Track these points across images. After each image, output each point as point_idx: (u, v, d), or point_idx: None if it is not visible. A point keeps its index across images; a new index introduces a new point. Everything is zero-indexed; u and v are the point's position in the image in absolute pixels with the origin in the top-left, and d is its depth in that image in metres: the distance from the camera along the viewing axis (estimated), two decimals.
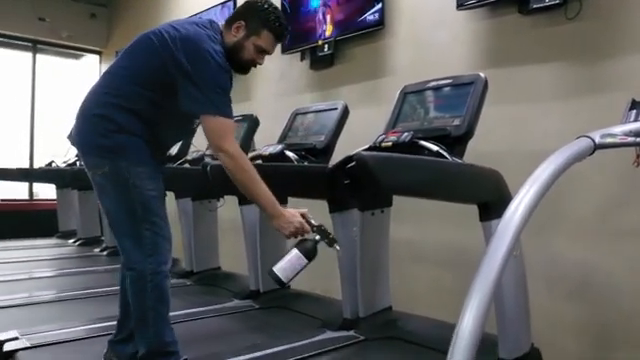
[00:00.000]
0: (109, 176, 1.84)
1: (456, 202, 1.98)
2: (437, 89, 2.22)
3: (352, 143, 2.64)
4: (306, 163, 2.56)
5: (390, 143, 2.00)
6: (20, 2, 6.30)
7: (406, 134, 1.99)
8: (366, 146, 2.12)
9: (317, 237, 1.83)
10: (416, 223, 2.98)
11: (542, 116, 2.50)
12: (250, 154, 3.19)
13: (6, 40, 6.58)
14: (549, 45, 2.48)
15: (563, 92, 2.43)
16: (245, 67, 1.96)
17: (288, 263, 1.79)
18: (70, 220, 6.13)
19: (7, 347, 2.19)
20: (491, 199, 1.89)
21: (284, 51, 3.87)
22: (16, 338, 2.28)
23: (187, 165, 3.38)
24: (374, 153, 1.48)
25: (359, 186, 2.21)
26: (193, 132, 2.59)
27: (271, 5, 1.93)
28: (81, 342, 2.35)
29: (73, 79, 7.40)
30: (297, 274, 1.80)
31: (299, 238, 1.84)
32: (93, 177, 1.91)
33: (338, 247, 1.87)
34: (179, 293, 3.34)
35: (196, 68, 1.75)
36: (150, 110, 1.85)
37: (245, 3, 1.95)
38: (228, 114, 1.80)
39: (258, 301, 3.05)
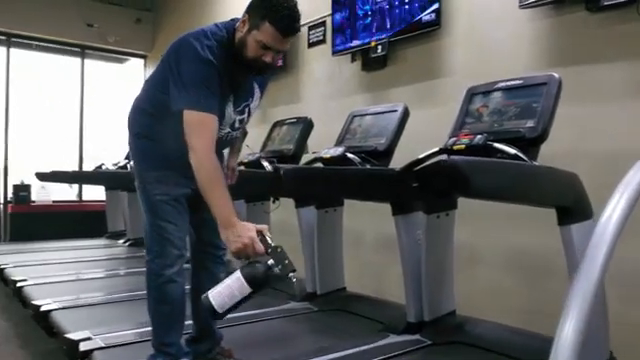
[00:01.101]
0: (135, 180, 1.97)
1: (535, 205, 1.93)
2: (507, 90, 2.17)
3: (407, 145, 2.64)
4: (368, 166, 2.55)
5: (463, 146, 1.97)
6: (69, 9, 6.50)
7: (479, 137, 1.95)
8: (436, 148, 2.11)
9: (270, 261, 1.45)
10: (474, 225, 2.94)
11: (611, 116, 2.43)
12: (306, 156, 3.23)
13: (56, 46, 6.79)
14: (619, 43, 2.41)
15: (633, 92, 2.36)
16: (252, 66, 1.77)
17: (227, 289, 1.44)
18: (118, 221, 6.30)
19: (83, 347, 2.25)
20: (570, 203, 1.85)
21: (334, 53, 3.87)
22: (89, 338, 2.35)
23: (242, 167, 3.42)
24: (465, 157, 1.46)
25: (430, 189, 2.20)
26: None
27: None
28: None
29: (118, 83, 7.59)
30: (236, 305, 1.44)
31: (249, 260, 1.50)
32: None
33: (295, 279, 1.48)
34: None
35: (176, 64, 1.72)
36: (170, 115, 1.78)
37: None
38: (201, 107, 1.66)
39: (316, 303, 3.06)
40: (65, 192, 6.89)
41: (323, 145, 3.04)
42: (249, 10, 1.74)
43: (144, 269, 4.12)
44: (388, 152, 2.64)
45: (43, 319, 2.86)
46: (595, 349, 1.94)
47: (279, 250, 1.48)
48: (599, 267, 1.31)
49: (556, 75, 2.04)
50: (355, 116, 2.97)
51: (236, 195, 3.61)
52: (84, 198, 7.04)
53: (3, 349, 2.87)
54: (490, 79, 2.37)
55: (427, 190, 2.21)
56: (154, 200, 1.89)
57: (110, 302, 3.20)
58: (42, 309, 2.89)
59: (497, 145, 1.90)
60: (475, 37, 3.03)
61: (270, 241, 1.50)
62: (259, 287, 1.44)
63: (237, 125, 2.01)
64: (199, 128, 1.68)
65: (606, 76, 2.44)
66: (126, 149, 5.84)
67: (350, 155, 2.59)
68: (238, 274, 1.44)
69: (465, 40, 3.09)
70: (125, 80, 7.62)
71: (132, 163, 2.09)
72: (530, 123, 2.00)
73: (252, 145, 3.61)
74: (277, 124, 3.63)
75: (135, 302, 3.16)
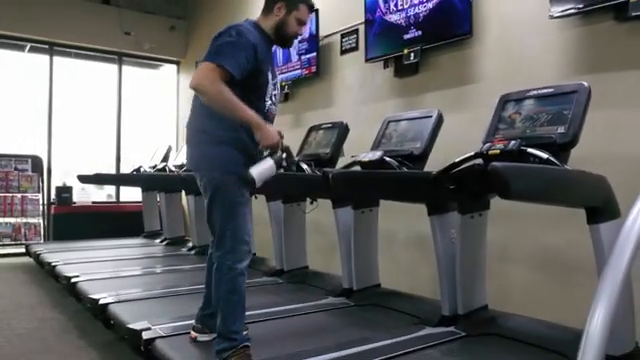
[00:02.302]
0: (208, 184, 2.19)
1: (567, 206, 2.07)
2: (539, 97, 2.32)
3: (440, 148, 2.80)
4: (405, 169, 2.71)
5: (498, 151, 2.12)
6: (108, 19, 6.81)
7: (513, 142, 2.10)
8: (471, 153, 2.26)
9: (284, 155, 2.15)
10: (505, 224, 3.07)
11: (638, 122, 2.55)
12: (342, 159, 3.40)
13: (96, 54, 7.10)
14: None
15: None
16: (290, 39, 2.32)
17: (263, 170, 2.07)
18: (154, 221, 6.57)
19: (145, 336, 2.46)
20: (599, 203, 1.99)
21: (367, 60, 4.04)
22: (149, 328, 2.56)
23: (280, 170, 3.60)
24: (506, 163, 1.61)
25: (466, 191, 2.36)
26: None
27: None
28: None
29: (153, 88, 7.88)
30: (265, 179, 2.07)
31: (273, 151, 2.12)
32: (199, 183, 2.27)
33: (295, 168, 2.23)
34: (274, 290, 3.59)
35: (214, 41, 2.12)
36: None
37: None
38: (217, 61, 2.01)
39: (352, 299, 3.22)
40: (95, 193, 7.19)
41: (356, 149, 3.21)
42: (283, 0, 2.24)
43: (183, 266, 4.37)
44: (423, 156, 2.79)
45: (101, 312, 3.09)
46: (622, 339, 2.07)
47: (289, 150, 2.18)
48: (626, 263, 1.44)
49: (585, 84, 2.18)
50: (390, 121, 3.12)
51: (276, 196, 3.84)
52: (121, 199, 7.33)
53: (64, 339, 3.10)
54: (519, 86, 2.51)
55: (463, 192, 2.38)
56: (235, 202, 2.15)
57: (159, 296, 3.42)
58: (100, 302, 3.11)
59: (530, 150, 2.04)
60: (505, 46, 3.17)
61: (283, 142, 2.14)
62: (280, 168, 2.12)
63: (274, 99, 2.34)
64: (209, 72, 2.00)
65: (633, 83, 2.56)
66: (161, 152, 6.17)
67: (387, 159, 2.75)
68: (271, 161, 2.08)
69: (496, 48, 3.23)
70: (159, 85, 7.92)
71: (198, 167, 2.25)
72: (561, 129, 2.14)
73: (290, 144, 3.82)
74: (313, 129, 3.80)
75: (182, 297, 3.40)
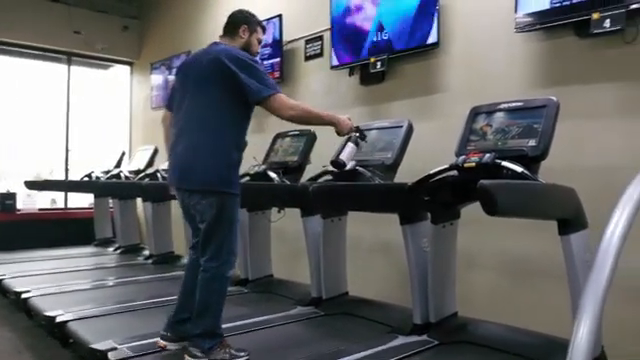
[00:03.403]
0: (216, 203, 2.33)
1: (543, 219, 2.13)
2: (509, 110, 2.38)
3: (406, 157, 2.83)
4: (377, 179, 2.72)
5: (474, 164, 2.16)
6: (56, 17, 6.49)
7: (488, 155, 2.15)
8: (446, 165, 2.29)
9: (357, 134, 2.56)
10: (470, 231, 3.14)
11: (600, 134, 2.66)
12: (309, 167, 3.38)
13: (43, 53, 6.76)
14: (607, 67, 2.64)
15: (621, 111, 2.60)
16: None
17: (346, 152, 2.52)
18: (106, 228, 6.32)
19: (113, 357, 2.35)
20: (570, 215, 2.06)
21: (333, 67, 4.03)
22: (115, 348, 2.44)
23: (247, 178, 3.54)
24: (494, 181, 1.63)
25: (440, 202, 2.39)
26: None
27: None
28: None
29: (104, 90, 7.58)
30: (351, 158, 2.57)
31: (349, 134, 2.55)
32: (198, 200, 2.36)
33: (367, 141, 2.63)
34: (240, 301, 3.52)
35: (245, 67, 2.35)
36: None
37: (238, 13, 2.56)
38: (278, 89, 2.38)
39: (322, 308, 3.21)
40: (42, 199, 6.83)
41: (323, 157, 3.19)
42: (246, 23, 2.52)
43: (141, 277, 4.21)
44: (394, 166, 2.82)
45: (58, 330, 2.92)
46: None
47: (360, 128, 2.61)
48: (607, 275, 1.50)
49: (554, 98, 2.26)
50: None
51: (241, 204, 3.77)
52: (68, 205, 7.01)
53: None
54: (485, 98, 2.58)
55: (438, 203, 2.41)
56: (234, 220, 2.41)
57: (120, 311, 3.25)
58: (57, 320, 2.94)
59: (505, 163, 2.09)
60: (471, 57, 3.24)
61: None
62: (358, 146, 2.57)
63: None
64: (287, 100, 2.35)
65: (595, 97, 2.68)
66: (114, 157, 5.95)
67: (360, 169, 2.76)
68: (351, 144, 2.55)
69: (462, 60, 3.30)
70: (110, 86, 7.63)
71: (204, 186, 2.35)
72: (532, 142, 2.21)
73: (250, 153, 3.75)
74: (279, 136, 3.76)
75: (144, 311, 3.27)
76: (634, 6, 2.43)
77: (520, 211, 1.85)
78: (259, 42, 2.59)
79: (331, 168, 2.88)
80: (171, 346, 2.48)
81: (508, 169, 2.10)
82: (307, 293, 3.38)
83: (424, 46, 3.39)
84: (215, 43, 2.49)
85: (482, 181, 1.58)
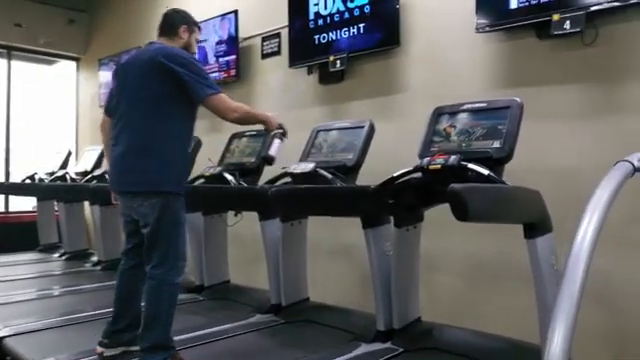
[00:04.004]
0: (158, 204, 2.23)
1: (510, 223, 2.09)
2: (473, 111, 2.33)
3: (366, 159, 2.76)
4: (338, 181, 2.63)
5: (439, 165, 2.09)
6: None
7: (454, 157, 2.08)
8: (410, 168, 2.22)
9: (281, 130, 2.55)
10: (431, 233, 3.10)
11: (560, 136, 2.66)
12: (267, 170, 3.25)
13: None
14: (566, 68, 2.65)
15: (581, 113, 2.60)
16: None
17: (274, 147, 2.50)
18: (51, 233, 5.97)
19: None
20: (536, 219, 2.02)
21: (291, 65, 3.92)
22: None
23: (202, 181, 3.38)
24: (465, 185, 1.56)
25: (404, 205, 2.32)
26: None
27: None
28: None
29: (47, 86, 7.19)
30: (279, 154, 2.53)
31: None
32: (140, 202, 2.26)
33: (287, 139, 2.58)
34: (195, 310, 3.35)
35: (184, 66, 2.28)
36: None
37: (174, 12, 2.53)
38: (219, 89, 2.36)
39: (281, 315, 3.09)
40: None
41: (281, 158, 3.08)
42: (185, 23, 2.49)
43: (88, 285, 4.00)
44: (356, 167, 2.73)
45: None
46: None
47: (282, 125, 2.57)
48: (579, 283, 1.46)
49: (518, 99, 2.22)
50: (320, 131, 3.03)
51: (195, 207, 3.60)
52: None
53: None
54: (446, 98, 2.53)
55: (402, 206, 2.34)
56: (180, 221, 2.32)
57: (65, 324, 3.02)
58: None
59: (471, 166, 2.04)
60: (432, 57, 3.20)
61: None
62: (283, 141, 2.53)
63: None
64: (229, 100, 2.31)
65: (556, 98, 2.68)
66: (59, 157, 5.61)
67: (321, 171, 2.66)
68: (278, 140, 2.51)
69: (422, 59, 3.25)
70: (55, 83, 7.24)
71: (144, 187, 2.26)
72: (496, 144, 2.17)
73: (204, 152, 3.59)
74: (235, 136, 3.62)
75: (91, 323, 3.03)
76: (594, 8, 2.43)
77: (490, 216, 1.79)
78: (197, 42, 2.59)
79: (291, 169, 2.78)
80: (109, 352, 2.40)
81: (474, 171, 2.05)
82: (266, 300, 3.26)
83: (384, 44, 3.33)
84: (152, 43, 2.44)
85: (453, 185, 1.51)
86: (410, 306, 2.64)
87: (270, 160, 2.50)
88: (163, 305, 2.26)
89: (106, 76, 6.24)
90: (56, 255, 5.53)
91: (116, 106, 2.37)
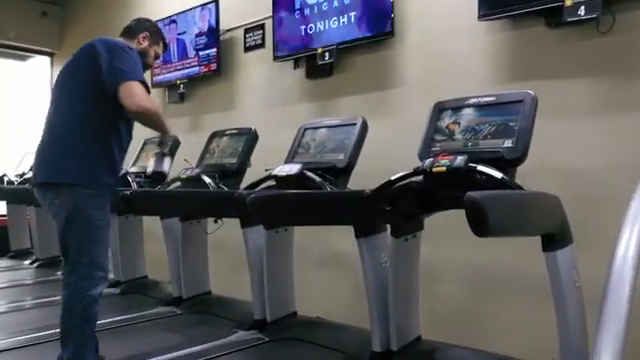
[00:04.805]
0: (68, 202, 2.03)
1: (530, 235, 1.81)
2: (479, 106, 2.07)
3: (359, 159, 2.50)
4: (328, 185, 2.36)
5: (444, 168, 1.83)
6: None
7: (460, 158, 1.82)
8: (410, 170, 1.95)
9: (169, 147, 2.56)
10: (429, 242, 2.85)
11: (572, 133, 2.42)
12: (250, 170, 2.98)
13: None
14: (579, 59, 2.40)
15: (595, 108, 2.36)
16: (145, 69, 2.33)
17: (169, 164, 2.52)
18: (23, 239, 5.63)
19: None
20: (557, 229, 1.76)
21: (276, 58, 3.63)
22: None
23: (178, 184, 3.10)
24: (485, 192, 1.30)
25: (403, 212, 2.06)
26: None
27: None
28: None
29: (19, 83, 6.83)
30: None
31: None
32: (52, 200, 2.08)
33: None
34: (171, 326, 3.06)
35: (115, 53, 2.11)
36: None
37: (141, 20, 2.46)
38: (144, 80, 2.13)
39: (266, 332, 2.80)
40: None
41: (265, 158, 2.82)
42: (148, 30, 2.39)
43: (59, 297, 3.61)
44: (348, 169, 2.48)
45: None
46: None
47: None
48: (625, 307, 1.21)
49: (532, 92, 1.97)
50: (307, 129, 2.77)
51: (172, 212, 3.31)
52: None
53: None
54: (446, 92, 2.27)
55: (401, 213, 2.08)
56: (97, 225, 2.07)
57: (37, 343, 2.70)
58: None
59: (481, 168, 1.78)
60: (429, 48, 2.94)
61: None
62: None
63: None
64: (144, 91, 2.08)
65: (566, 93, 2.43)
66: (30, 159, 5.26)
67: (309, 174, 2.39)
68: (169, 157, 2.53)
69: (419, 50, 2.99)
70: (28, 79, 6.87)
71: (57, 181, 2.08)
72: (508, 143, 1.91)
73: (182, 152, 3.31)
74: (216, 135, 3.34)
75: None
76: None
77: (512, 228, 1.52)
78: (156, 57, 2.47)
79: (275, 172, 2.50)
80: None
81: (484, 174, 1.79)
82: (249, 314, 2.97)
83: (378, 34, 3.06)
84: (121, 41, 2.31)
85: (470, 193, 1.24)
86: (409, 323, 2.37)
87: (163, 177, 2.51)
88: (73, 321, 2.04)
89: None
90: (27, 262, 5.19)
91: (50, 101, 2.26)
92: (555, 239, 1.77)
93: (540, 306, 2.44)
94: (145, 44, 2.36)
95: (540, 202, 1.69)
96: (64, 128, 2.10)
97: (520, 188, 1.69)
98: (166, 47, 2.53)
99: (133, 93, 2.01)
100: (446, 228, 2.62)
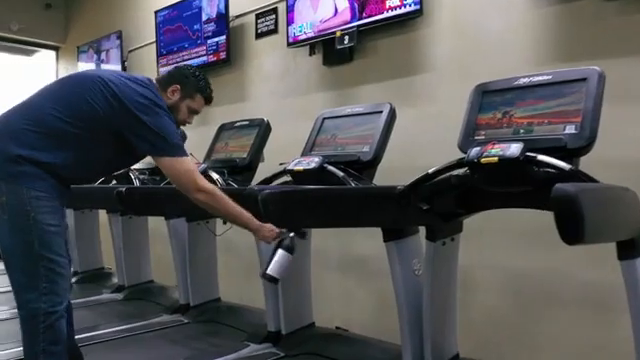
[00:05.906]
0: (7, 206, 1.74)
1: (617, 240, 1.48)
2: (532, 87, 1.76)
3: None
4: (352, 181, 2.06)
5: (495, 158, 1.52)
6: None
7: (515, 146, 1.52)
8: (452, 161, 1.65)
9: (291, 234, 2.02)
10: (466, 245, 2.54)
11: (633, 119, 2.10)
12: (262, 165, 2.71)
13: None
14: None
15: None
16: (177, 125, 2.08)
17: (277, 263, 1.99)
18: None
19: None
20: (636, 232, 1.45)
21: (290, 44, 3.34)
22: None
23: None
24: (579, 185, 1.00)
25: (443, 212, 1.77)
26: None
27: (201, 72, 2.14)
28: None
29: (26, 78, 6.61)
30: (286, 270, 2.01)
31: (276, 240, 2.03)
32: None
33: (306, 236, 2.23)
34: (178, 337, 2.80)
35: (147, 115, 1.86)
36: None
37: (178, 69, 2.13)
38: (186, 153, 1.96)
39: (281, 346, 2.53)
40: None
41: (278, 152, 2.54)
42: (179, 82, 2.05)
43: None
44: (374, 162, 2.19)
45: None
46: None
47: (285, 230, 2.04)
48: None
49: (598, 69, 1.65)
50: (326, 118, 2.48)
51: (178, 212, 3.06)
52: None
53: None
54: (481, 77, 1.96)
55: (440, 213, 1.78)
56: (47, 230, 1.76)
57: None
58: None
59: (543, 158, 1.47)
60: (463, 27, 2.63)
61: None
62: (294, 252, 2.01)
63: None
64: (196, 171, 1.99)
65: (628, 72, 2.10)
66: None
67: (330, 167, 2.09)
68: (281, 251, 1.99)
69: (451, 30, 2.68)
70: (34, 75, 6.66)
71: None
72: (571, 129, 1.60)
73: (189, 147, 3.02)
74: (224, 127, 3.06)
75: None
76: None
77: (605, 233, 1.21)
78: (192, 112, 2.11)
79: (291, 166, 2.21)
80: None
81: (545, 166, 1.48)
82: (262, 324, 2.68)
83: (403, 14, 2.75)
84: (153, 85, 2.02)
85: (559, 185, 0.93)
86: (446, 339, 2.07)
87: (273, 280, 2.03)
88: (39, 345, 1.75)
89: (86, 65, 5.66)
90: None
91: None
92: (634, 244, 1.45)
93: (597, 320, 2.14)
94: (175, 98, 2.04)
95: (628, 200, 1.37)
96: (24, 127, 1.82)
97: (595, 182, 1.37)
98: (208, 100, 2.15)
99: (181, 177, 1.92)
100: (483, 228, 2.32)
